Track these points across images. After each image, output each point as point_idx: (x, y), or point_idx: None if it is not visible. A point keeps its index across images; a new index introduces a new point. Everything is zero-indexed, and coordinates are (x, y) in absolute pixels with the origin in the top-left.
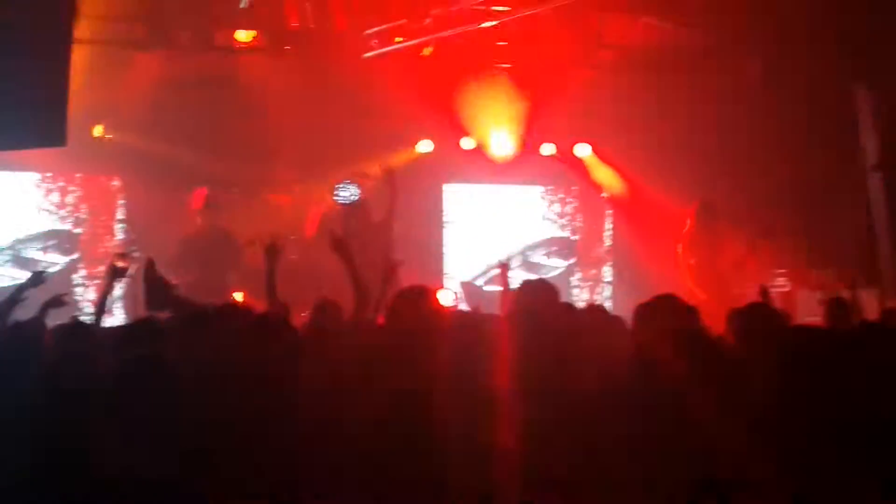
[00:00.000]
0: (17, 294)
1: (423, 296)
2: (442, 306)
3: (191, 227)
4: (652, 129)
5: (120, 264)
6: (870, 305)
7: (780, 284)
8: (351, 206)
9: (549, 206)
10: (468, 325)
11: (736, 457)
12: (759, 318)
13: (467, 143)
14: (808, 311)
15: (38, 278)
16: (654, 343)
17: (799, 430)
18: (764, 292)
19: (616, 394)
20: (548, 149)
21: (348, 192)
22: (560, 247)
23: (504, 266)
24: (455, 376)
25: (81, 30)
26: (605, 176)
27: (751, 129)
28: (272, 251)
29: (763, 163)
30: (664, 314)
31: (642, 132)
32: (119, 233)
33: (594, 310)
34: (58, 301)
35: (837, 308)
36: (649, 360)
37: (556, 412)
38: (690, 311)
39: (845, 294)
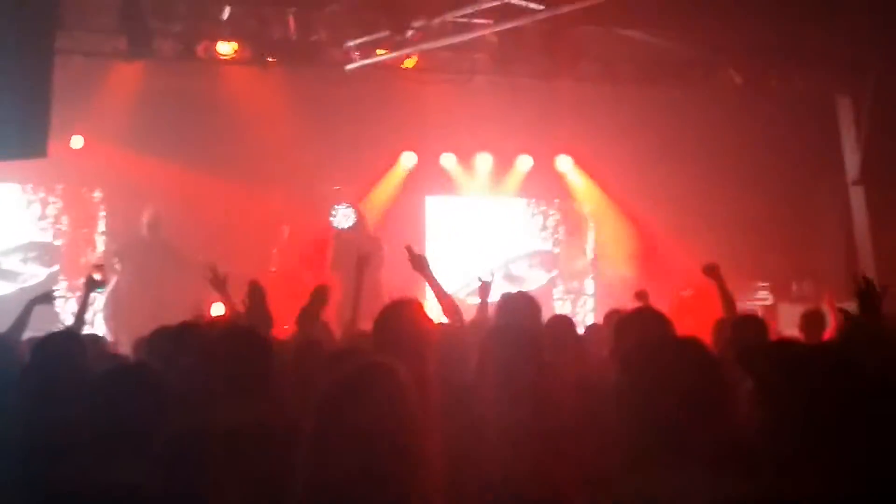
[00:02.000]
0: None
1: (411, 307)
2: (430, 319)
3: (137, 236)
4: (634, 142)
5: (97, 276)
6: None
7: (762, 297)
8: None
9: (532, 218)
10: (451, 338)
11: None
12: (742, 328)
13: (447, 161)
14: (790, 324)
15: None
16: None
17: (782, 439)
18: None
19: (597, 404)
20: (528, 161)
21: (344, 216)
22: (542, 259)
23: (485, 284)
24: (439, 388)
25: (63, 41)
26: (587, 187)
27: (733, 141)
28: (216, 283)
29: (745, 175)
30: (643, 326)
31: (624, 144)
32: (100, 244)
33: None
34: (47, 297)
35: (814, 321)
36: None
37: (538, 424)
38: (668, 324)
39: (824, 307)
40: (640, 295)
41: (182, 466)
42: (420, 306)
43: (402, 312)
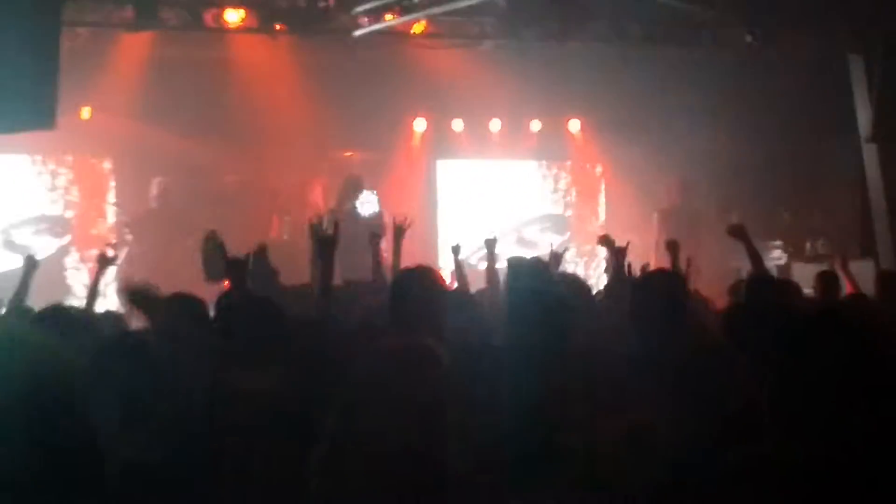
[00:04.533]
0: (25, 286)
1: (425, 274)
2: (444, 284)
3: (146, 207)
4: (644, 102)
5: (110, 253)
6: (866, 277)
7: (776, 257)
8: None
9: (543, 181)
10: (466, 303)
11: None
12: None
13: (458, 125)
14: (805, 284)
15: (31, 263)
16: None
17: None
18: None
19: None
20: (539, 124)
21: (369, 204)
22: (554, 222)
23: (491, 243)
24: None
25: (69, 13)
26: (598, 149)
27: (744, 100)
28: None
29: (757, 134)
30: (657, 290)
31: (635, 105)
32: (111, 215)
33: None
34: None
35: (828, 282)
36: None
37: (549, 394)
38: (684, 284)
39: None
40: (671, 245)
41: (195, 436)
42: (434, 273)
43: (416, 279)
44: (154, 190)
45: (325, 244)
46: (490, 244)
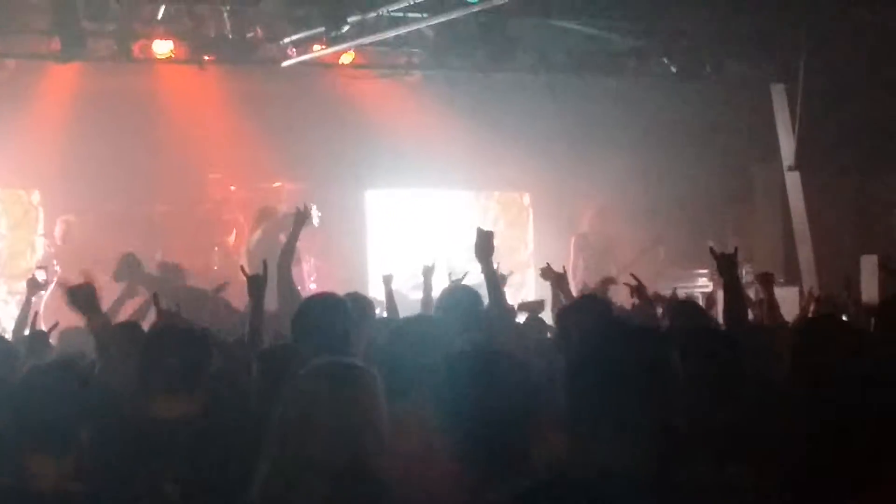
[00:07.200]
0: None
1: (328, 302)
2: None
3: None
4: (571, 131)
5: (40, 277)
6: (790, 304)
7: (702, 284)
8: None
9: (471, 210)
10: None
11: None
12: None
13: (386, 155)
14: None
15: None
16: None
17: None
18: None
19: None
20: (466, 154)
21: (317, 216)
22: None
23: (428, 271)
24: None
25: None
26: (526, 178)
27: (669, 129)
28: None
29: (682, 163)
30: (587, 316)
31: (562, 134)
32: (39, 247)
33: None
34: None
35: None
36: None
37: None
38: (609, 309)
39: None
40: (606, 281)
41: (115, 460)
42: (338, 300)
43: (318, 308)
44: (58, 230)
45: (253, 284)
46: (427, 272)
